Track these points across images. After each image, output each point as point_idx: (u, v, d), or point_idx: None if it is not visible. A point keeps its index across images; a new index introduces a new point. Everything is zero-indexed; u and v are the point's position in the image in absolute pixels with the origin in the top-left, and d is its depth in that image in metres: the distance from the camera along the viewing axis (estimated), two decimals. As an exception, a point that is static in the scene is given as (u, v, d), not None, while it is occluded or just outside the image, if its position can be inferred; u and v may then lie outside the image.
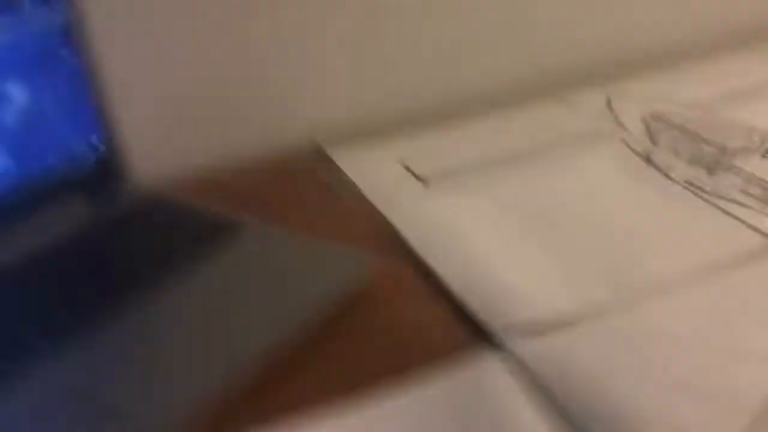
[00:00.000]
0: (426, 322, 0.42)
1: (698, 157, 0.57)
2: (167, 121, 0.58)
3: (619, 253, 0.47)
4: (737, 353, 0.38)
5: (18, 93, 0.44)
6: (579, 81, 0.69)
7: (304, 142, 0.63)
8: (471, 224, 0.50)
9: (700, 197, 0.52)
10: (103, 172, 0.50)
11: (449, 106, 0.68)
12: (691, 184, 0.54)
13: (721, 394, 0.35)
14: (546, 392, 0.36)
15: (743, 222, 0.49)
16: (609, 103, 0.66)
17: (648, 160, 0.57)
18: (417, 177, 0.55)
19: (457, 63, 0.68)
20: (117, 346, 0.36)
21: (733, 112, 0.63)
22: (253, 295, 0.41)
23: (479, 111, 0.65)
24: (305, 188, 0.56)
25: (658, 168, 0.56)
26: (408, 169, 0.56)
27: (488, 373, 0.37)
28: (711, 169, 0.55)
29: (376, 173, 0.57)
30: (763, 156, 0.56)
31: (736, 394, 0.35)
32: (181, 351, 0.36)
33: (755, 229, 0.48)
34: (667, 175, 0.55)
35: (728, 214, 0.50)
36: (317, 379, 0.36)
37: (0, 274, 0.42)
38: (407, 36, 0.65)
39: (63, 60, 0.46)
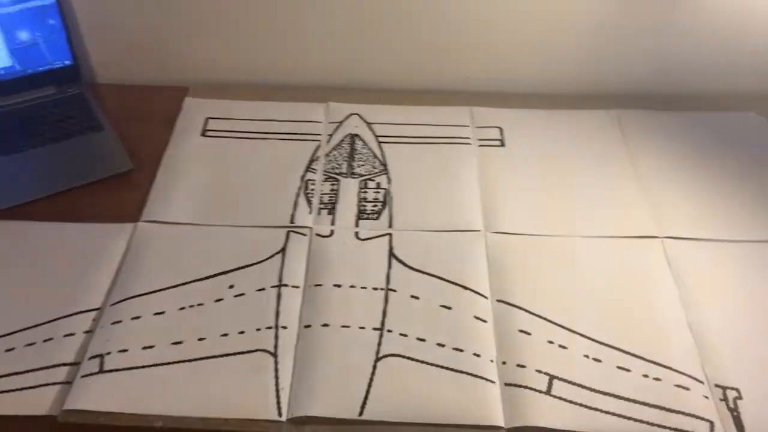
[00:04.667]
0: (126, 200, 0.99)
1: (339, 166, 1.06)
2: (114, 47, 1.18)
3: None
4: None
5: (24, 34, 1.07)
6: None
7: (189, 82, 1.20)
8: (195, 166, 1.06)
9: (308, 192, 1.02)
10: (68, 74, 1.13)
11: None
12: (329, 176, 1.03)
13: None
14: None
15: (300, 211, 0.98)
16: (347, 116, 1.14)
17: (317, 158, 1.07)
18: (204, 129, 1.12)
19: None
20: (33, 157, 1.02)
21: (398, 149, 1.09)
22: (77, 155, 1.03)
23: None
24: (158, 112, 1.14)
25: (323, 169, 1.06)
26: (205, 122, 1.13)
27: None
28: (336, 176, 1.04)
29: (191, 117, 1.13)
30: (359, 184, 1.02)
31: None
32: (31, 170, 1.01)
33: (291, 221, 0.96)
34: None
35: (308, 201, 0.99)
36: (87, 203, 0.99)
37: (1, 117, 1.08)
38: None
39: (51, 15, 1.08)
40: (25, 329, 0.82)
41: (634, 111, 1.14)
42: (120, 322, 0.83)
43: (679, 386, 0.79)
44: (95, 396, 0.76)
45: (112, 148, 1.05)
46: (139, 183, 1.01)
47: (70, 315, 0.84)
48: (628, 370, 0.80)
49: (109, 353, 0.80)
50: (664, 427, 0.75)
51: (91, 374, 0.78)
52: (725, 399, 0.77)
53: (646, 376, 0.79)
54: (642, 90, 1.18)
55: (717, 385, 0.79)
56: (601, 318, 0.85)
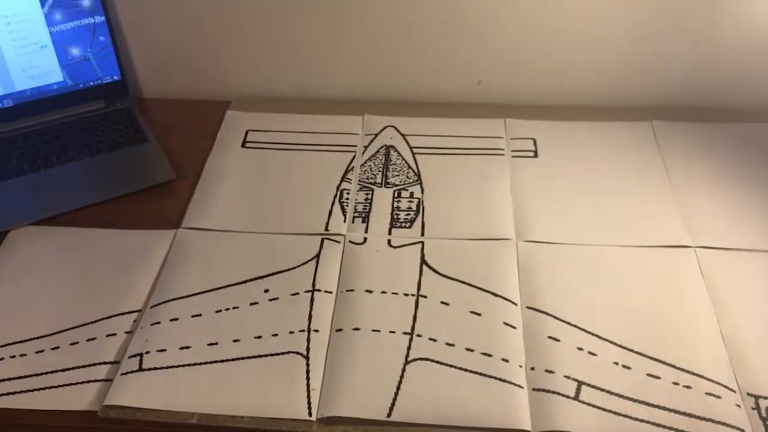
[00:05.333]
0: (168, 208, 1.04)
1: (373, 176, 1.08)
2: (159, 64, 1.23)
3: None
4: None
5: (76, 50, 1.12)
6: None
7: (230, 96, 1.24)
8: (234, 176, 1.09)
9: (343, 201, 1.03)
10: (116, 89, 1.18)
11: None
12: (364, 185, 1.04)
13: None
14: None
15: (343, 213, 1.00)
16: (382, 128, 1.17)
17: (352, 168, 1.10)
18: (244, 141, 1.16)
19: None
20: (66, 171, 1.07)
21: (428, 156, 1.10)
22: (123, 165, 1.08)
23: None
24: (201, 125, 1.18)
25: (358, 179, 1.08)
26: (246, 134, 1.17)
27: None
28: (370, 185, 1.07)
29: (232, 129, 1.17)
30: (393, 193, 1.03)
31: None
32: (79, 179, 1.05)
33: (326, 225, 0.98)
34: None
35: (343, 209, 1.00)
36: (114, 209, 1.02)
37: (53, 128, 1.13)
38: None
39: (101, 32, 1.13)
40: (69, 329, 0.86)
41: (669, 122, 1.14)
42: (159, 323, 0.86)
43: (710, 394, 0.78)
44: (134, 393, 0.79)
45: (156, 159, 1.09)
46: (181, 192, 1.05)
47: (113, 316, 0.87)
48: (658, 378, 0.80)
49: (148, 352, 0.83)
50: (694, 434, 0.74)
51: (131, 372, 0.81)
52: (758, 408, 0.76)
53: (676, 383, 0.79)
54: (677, 102, 1.18)
55: (749, 394, 0.78)
56: (632, 326, 0.85)
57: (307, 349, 0.83)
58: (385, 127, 1.16)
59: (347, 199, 1.03)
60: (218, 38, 1.18)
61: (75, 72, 1.15)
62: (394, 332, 0.85)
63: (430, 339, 0.84)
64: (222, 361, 0.82)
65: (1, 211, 1.00)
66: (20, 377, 0.81)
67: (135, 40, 1.19)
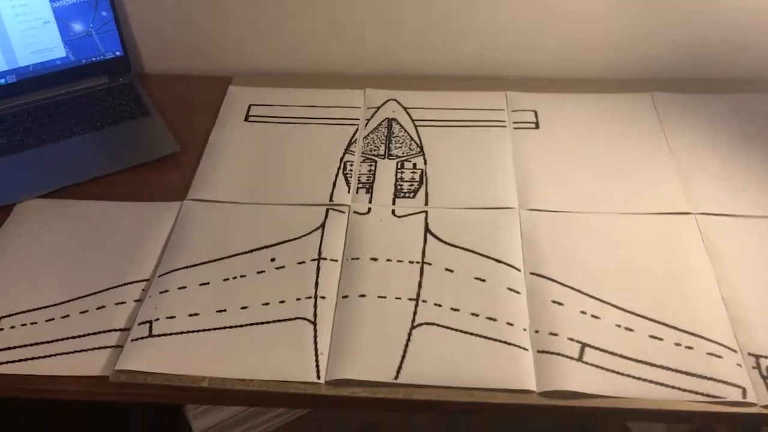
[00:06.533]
0: (173, 181, 1.05)
1: (376, 149, 1.09)
2: (161, 39, 1.23)
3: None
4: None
5: (78, 26, 1.12)
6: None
7: (232, 72, 1.25)
8: (238, 149, 1.10)
9: (347, 173, 1.06)
10: (119, 65, 1.18)
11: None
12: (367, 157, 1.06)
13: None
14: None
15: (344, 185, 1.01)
16: (384, 102, 1.18)
17: (355, 141, 1.11)
18: (247, 115, 1.16)
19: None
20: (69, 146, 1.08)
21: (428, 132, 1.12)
22: (128, 139, 1.09)
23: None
24: (204, 100, 1.19)
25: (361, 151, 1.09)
26: (248, 108, 1.17)
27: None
28: (374, 157, 1.08)
29: (235, 104, 1.18)
30: (396, 165, 1.05)
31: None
32: (84, 153, 1.06)
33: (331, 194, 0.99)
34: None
35: (347, 180, 1.02)
36: (118, 181, 1.03)
37: (57, 104, 1.14)
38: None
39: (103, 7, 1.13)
40: (79, 298, 0.87)
41: (669, 93, 1.15)
42: (167, 291, 0.87)
43: (711, 354, 0.79)
44: (144, 358, 0.80)
45: (160, 133, 1.10)
46: (185, 165, 1.06)
47: (121, 285, 0.88)
48: (660, 339, 0.81)
49: (157, 319, 0.84)
50: (696, 392, 0.76)
51: (141, 338, 0.82)
52: (758, 366, 0.78)
53: (678, 344, 0.80)
54: (677, 74, 1.19)
55: (750, 354, 0.79)
56: (635, 290, 0.86)
57: (314, 315, 0.85)
58: (386, 101, 1.17)
59: (351, 170, 1.04)
60: (220, 14, 1.18)
61: (78, 48, 1.15)
62: (399, 298, 0.86)
63: (436, 304, 0.85)
64: (230, 327, 0.83)
65: (7, 185, 1.01)
66: (31, 344, 0.82)
67: (137, 16, 1.19)
